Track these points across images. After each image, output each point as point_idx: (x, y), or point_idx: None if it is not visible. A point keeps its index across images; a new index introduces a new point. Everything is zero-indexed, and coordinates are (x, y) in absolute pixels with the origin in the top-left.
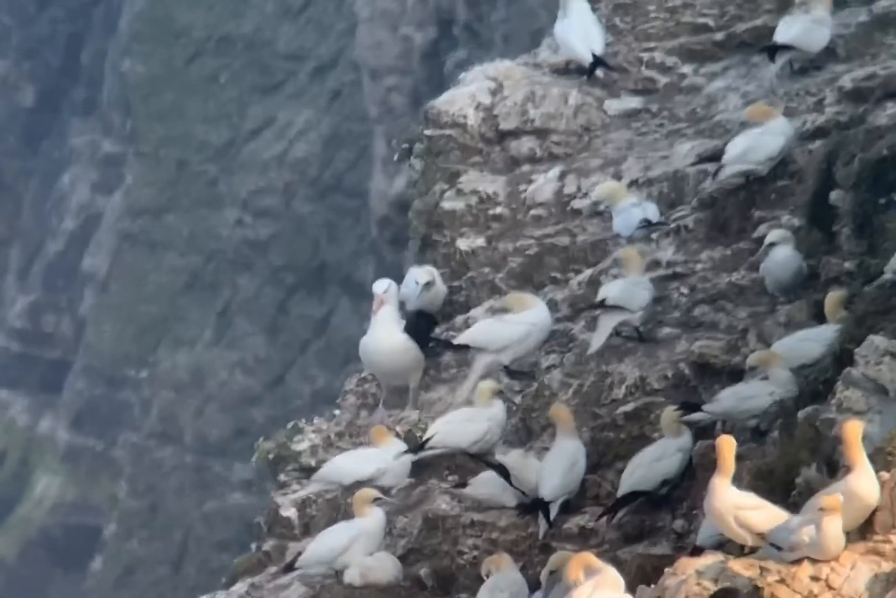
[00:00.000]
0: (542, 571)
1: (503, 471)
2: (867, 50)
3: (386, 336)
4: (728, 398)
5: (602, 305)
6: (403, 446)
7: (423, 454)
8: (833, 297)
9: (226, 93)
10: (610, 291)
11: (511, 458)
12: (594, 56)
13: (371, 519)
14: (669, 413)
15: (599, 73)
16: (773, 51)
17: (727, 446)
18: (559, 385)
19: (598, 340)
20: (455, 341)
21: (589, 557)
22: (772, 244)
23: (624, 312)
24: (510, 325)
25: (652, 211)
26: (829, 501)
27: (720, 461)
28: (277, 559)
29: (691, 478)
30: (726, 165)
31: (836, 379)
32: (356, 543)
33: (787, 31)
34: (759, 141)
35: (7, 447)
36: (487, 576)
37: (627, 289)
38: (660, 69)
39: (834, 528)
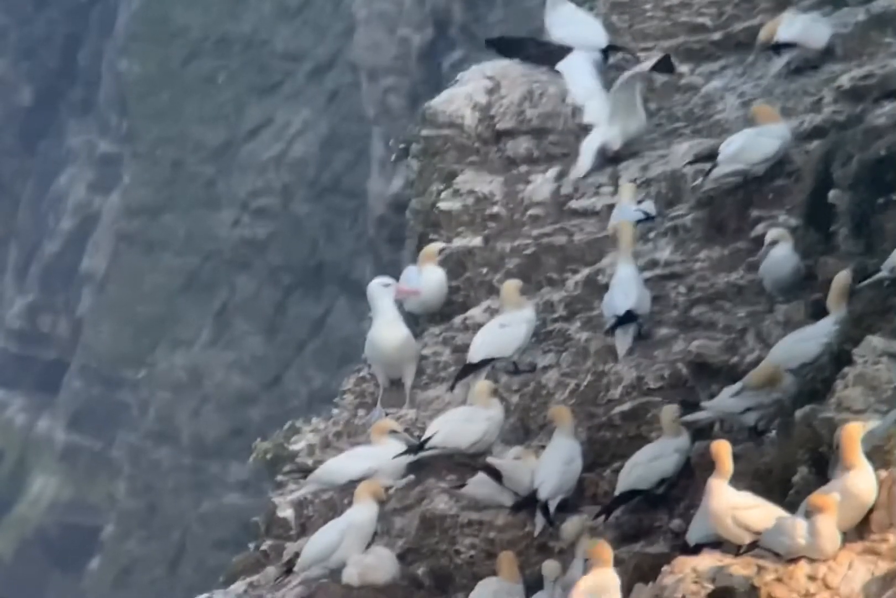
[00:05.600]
0: (545, 571)
1: (494, 473)
2: (865, 49)
3: (390, 329)
4: (726, 396)
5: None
6: (402, 446)
7: (422, 455)
8: (838, 282)
9: (223, 93)
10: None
11: (506, 458)
12: (609, 43)
13: (360, 510)
14: (669, 412)
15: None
16: (776, 49)
17: (723, 449)
18: (556, 385)
19: (622, 349)
20: (474, 361)
21: (604, 547)
22: (773, 243)
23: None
24: (514, 327)
25: (649, 209)
26: (818, 500)
27: (718, 464)
28: (275, 558)
29: (689, 477)
30: (720, 164)
31: (835, 378)
32: (347, 536)
33: (788, 29)
34: (755, 142)
35: (4, 447)
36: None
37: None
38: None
39: (828, 527)
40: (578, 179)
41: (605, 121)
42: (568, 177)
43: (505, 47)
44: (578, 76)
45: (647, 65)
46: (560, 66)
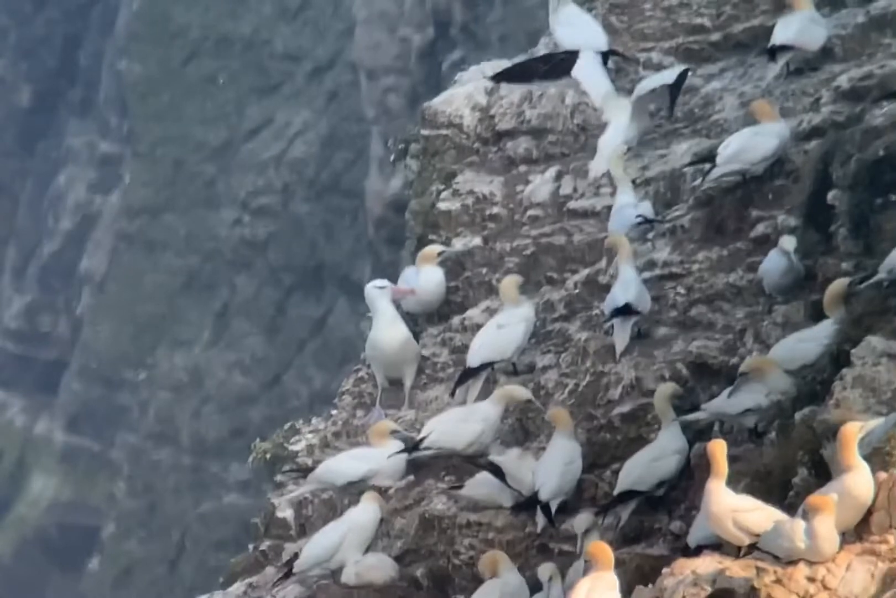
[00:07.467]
0: (540, 572)
1: (498, 472)
2: (864, 50)
3: (391, 329)
4: (724, 396)
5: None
6: (401, 446)
7: (417, 455)
8: (834, 288)
9: (223, 93)
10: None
11: (507, 458)
12: (609, 47)
13: (363, 511)
14: (665, 391)
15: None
16: (772, 53)
17: (719, 449)
18: (555, 385)
19: (620, 345)
20: (473, 366)
21: (604, 549)
22: (786, 251)
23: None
24: (511, 328)
25: (646, 209)
26: (817, 501)
27: (713, 465)
28: (274, 559)
29: (689, 479)
30: (718, 165)
31: (834, 380)
32: (349, 536)
33: (784, 31)
34: (753, 142)
35: (4, 448)
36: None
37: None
38: (656, 69)
39: (827, 529)
40: (596, 178)
41: (624, 122)
42: (575, 175)
43: (516, 76)
44: (595, 79)
45: (669, 76)
46: (574, 72)
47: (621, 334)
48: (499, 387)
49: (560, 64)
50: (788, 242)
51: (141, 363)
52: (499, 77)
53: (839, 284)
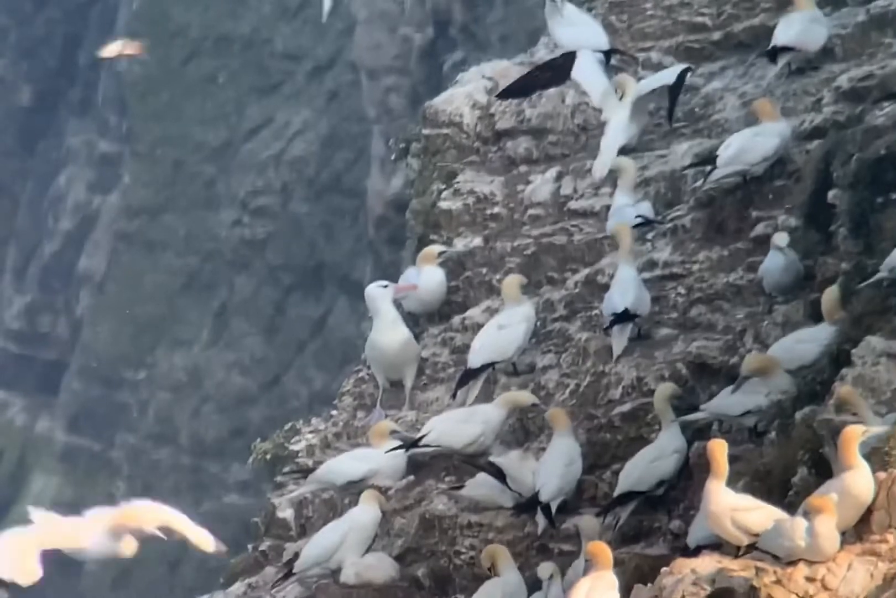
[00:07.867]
0: (540, 571)
1: (498, 473)
2: (864, 50)
3: (391, 330)
4: (723, 396)
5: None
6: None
7: (415, 451)
8: (830, 295)
9: (223, 93)
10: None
11: (507, 459)
12: (610, 46)
13: (363, 512)
14: (664, 392)
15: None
16: (773, 54)
17: (719, 449)
18: (555, 385)
19: (618, 348)
20: (475, 366)
21: (604, 549)
22: (779, 248)
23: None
24: (512, 328)
25: (646, 210)
26: (817, 502)
27: (713, 465)
28: (274, 559)
29: (688, 479)
30: (719, 167)
31: (833, 380)
32: (348, 537)
33: (785, 32)
34: (753, 143)
35: (4, 448)
36: (489, 570)
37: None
38: (657, 69)
39: (828, 529)
40: (602, 178)
41: (624, 121)
42: (575, 175)
43: (519, 90)
44: (594, 79)
45: (669, 76)
46: (573, 74)
47: (619, 337)
48: (499, 387)
49: (559, 68)
50: (781, 239)
51: (140, 363)
52: (504, 94)
53: (831, 293)
